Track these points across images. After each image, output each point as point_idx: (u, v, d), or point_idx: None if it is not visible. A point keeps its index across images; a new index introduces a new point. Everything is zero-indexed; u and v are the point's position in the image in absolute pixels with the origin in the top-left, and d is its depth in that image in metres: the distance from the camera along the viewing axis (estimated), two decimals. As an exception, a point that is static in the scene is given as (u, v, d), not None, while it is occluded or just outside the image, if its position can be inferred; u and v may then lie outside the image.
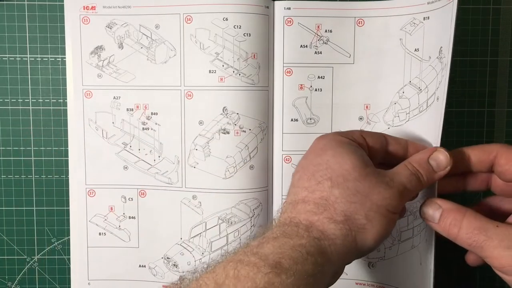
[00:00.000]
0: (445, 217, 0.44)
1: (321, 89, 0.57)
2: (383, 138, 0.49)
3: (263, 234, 0.42)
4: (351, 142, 0.46)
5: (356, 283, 0.60)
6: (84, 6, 0.56)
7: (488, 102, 0.59)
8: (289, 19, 0.56)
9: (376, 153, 0.48)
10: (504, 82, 0.59)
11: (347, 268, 0.59)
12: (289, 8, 0.56)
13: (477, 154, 0.47)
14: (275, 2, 0.56)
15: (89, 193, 0.58)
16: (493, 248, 0.42)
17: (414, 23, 0.55)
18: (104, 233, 0.58)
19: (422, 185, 0.45)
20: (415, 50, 0.54)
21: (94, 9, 0.56)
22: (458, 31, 0.58)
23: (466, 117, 0.59)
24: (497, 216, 0.45)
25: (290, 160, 0.57)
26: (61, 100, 0.58)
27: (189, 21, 0.56)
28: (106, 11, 0.56)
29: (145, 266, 0.58)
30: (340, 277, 0.57)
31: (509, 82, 0.59)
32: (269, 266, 0.37)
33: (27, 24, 0.58)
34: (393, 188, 0.43)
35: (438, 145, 0.48)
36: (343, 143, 0.45)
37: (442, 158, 0.46)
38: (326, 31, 0.56)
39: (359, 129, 0.51)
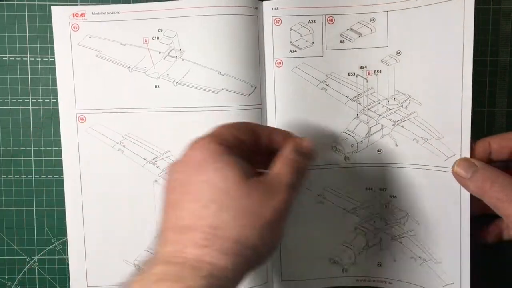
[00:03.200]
0: (480, 174, 0.49)
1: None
2: (250, 126, 0.49)
3: (143, 273, 0.40)
4: (228, 151, 0.44)
5: (357, 280, 0.62)
6: (73, 14, 0.59)
7: (488, 102, 0.61)
8: (277, 19, 0.58)
9: (251, 145, 0.48)
10: (504, 82, 0.60)
11: (346, 265, 0.61)
12: (277, 8, 0.58)
13: (497, 141, 0.52)
14: (263, 2, 0.58)
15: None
16: None
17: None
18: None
19: (305, 176, 0.47)
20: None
21: (84, 16, 0.59)
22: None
23: (466, 117, 0.61)
24: None
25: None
26: (61, 100, 0.61)
27: None
28: (95, 17, 0.59)
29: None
30: (341, 275, 0.61)
31: (509, 82, 0.60)
32: None
33: (27, 24, 0.60)
34: (281, 194, 0.43)
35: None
36: (222, 154, 0.43)
37: (311, 145, 0.49)
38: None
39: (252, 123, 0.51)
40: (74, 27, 0.59)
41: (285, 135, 0.50)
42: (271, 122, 0.59)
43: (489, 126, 0.61)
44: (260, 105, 0.59)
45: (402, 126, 0.58)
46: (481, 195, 0.49)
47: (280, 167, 0.45)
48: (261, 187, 0.43)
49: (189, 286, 0.38)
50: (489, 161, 0.53)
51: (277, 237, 0.43)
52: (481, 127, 0.61)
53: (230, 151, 0.44)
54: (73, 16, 0.58)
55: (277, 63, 0.59)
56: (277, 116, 0.59)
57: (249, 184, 0.42)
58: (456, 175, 0.51)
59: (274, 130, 0.51)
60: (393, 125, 0.58)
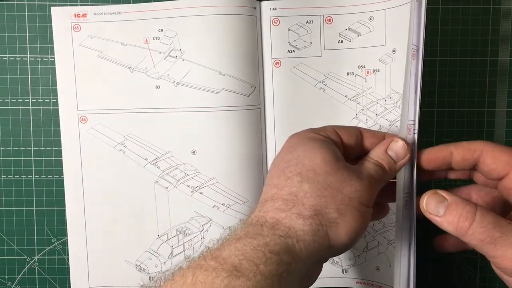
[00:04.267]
0: (453, 210, 0.43)
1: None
2: (358, 132, 0.50)
3: (227, 236, 0.43)
4: (323, 138, 0.48)
5: (357, 282, 0.63)
6: (75, 14, 0.60)
7: (488, 102, 0.62)
8: (275, 19, 0.60)
9: (352, 149, 0.50)
10: (504, 82, 0.61)
11: (346, 266, 0.62)
12: (275, 9, 0.60)
13: (460, 152, 0.48)
14: (262, 2, 0.60)
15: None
16: (507, 247, 0.41)
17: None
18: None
19: (388, 176, 0.48)
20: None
21: (85, 16, 0.60)
22: (459, 32, 0.61)
23: (466, 117, 0.62)
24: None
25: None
26: (61, 100, 0.62)
27: None
28: (97, 18, 0.60)
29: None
30: (341, 276, 0.61)
31: (509, 82, 0.61)
32: (227, 269, 0.38)
33: (27, 24, 0.61)
34: (364, 180, 0.45)
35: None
36: (315, 139, 0.47)
37: (399, 148, 0.48)
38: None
39: (333, 124, 0.52)
40: (75, 28, 0.60)
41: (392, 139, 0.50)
42: (270, 123, 0.61)
43: (489, 126, 0.62)
44: (259, 105, 0.60)
45: (396, 127, 0.59)
46: (460, 236, 0.43)
47: (367, 161, 0.47)
48: (347, 170, 0.45)
49: (266, 242, 0.40)
50: (449, 170, 0.50)
51: (357, 220, 0.43)
52: (481, 127, 0.62)
53: (322, 139, 0.47)
54: (75, 17, 0.60)
55: (275, 63, 0.60)
56: (275, 116, 0.61)
57: (336, 166, 0.44)
58: (426, 213, 0.45)
59: (386, 135, 0.51)
60: (390, 125, 0.59)
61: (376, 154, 0.48)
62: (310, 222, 0.42)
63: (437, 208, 0.44)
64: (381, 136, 0.51)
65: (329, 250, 0.44)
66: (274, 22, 0.59)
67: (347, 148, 0.49)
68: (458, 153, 0.48)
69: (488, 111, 0.62)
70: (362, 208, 0.44)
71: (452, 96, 0.62)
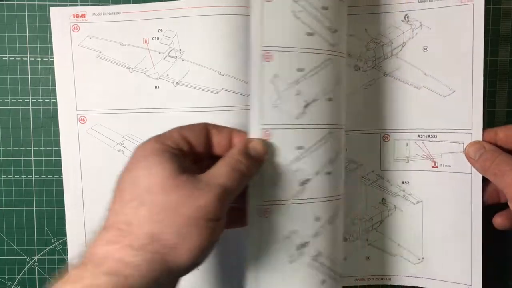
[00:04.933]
0: (485, 155, 0.54)
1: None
2: (205, 129, 0.48)
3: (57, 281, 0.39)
4: (166, 148, 0.44)
5: (356, 279, 0.63)
6: (74, 14, 0.60)
7: (488, 102, 0.62)
8: None
9: (202, 148, 0.48)
10: (504, 82, 0.62)
11: (346, 266, 0.61)
12: None
13: (503, 132, 0.56)
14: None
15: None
16: None
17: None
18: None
19: (246, 178, 0.46)
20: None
21: (84, 16, 0.60)
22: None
23: (466, 117, 0.62)
24: None
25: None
26: (61, 100, 0.62)
27: None
28: (96, 18, 0.60)
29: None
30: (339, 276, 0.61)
31: (509, 82, 0.62)
32: None
33: (27, 24, 0.61)
34: (210, 193, 0.42)
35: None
36: (158, 152, 0.43)
37: (259, 146, 0.48)
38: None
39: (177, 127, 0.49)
40: (74, 28, 0.60)
41: (242, 136, 0.50)
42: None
43: (489, 126, 0.60)
44: (259, 105, 0.60)
45: None
46: (483, 173, 0.55)
47: (219, 167, 0.45)
48: (189, 184, 0.42)
49: (87, 285, 0.38)
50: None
51: (202, 239, 0.41)
52: (481, 127, 0.62)
53: (167, 150, 0.44)
54: (74, 17, 0.60)
55: None
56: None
57: (176, 182, 0.41)
58: (467, 155, 0.56)
59: (233, 131, 0.50)
60: None
61: (233, 157, 0.46)
62: (141, 253, 0.39)
63: (475, 153, 0.55)
64: (228, 132, 0.49)
65: (171, 275, 0.41)
66: None
67: (196, 149, 0.47)
68: (501, 132, 0.56)
69: (488, 111, 0.62)
70: (209, 224, 0.41)
71: (452, 96, 0.62)
